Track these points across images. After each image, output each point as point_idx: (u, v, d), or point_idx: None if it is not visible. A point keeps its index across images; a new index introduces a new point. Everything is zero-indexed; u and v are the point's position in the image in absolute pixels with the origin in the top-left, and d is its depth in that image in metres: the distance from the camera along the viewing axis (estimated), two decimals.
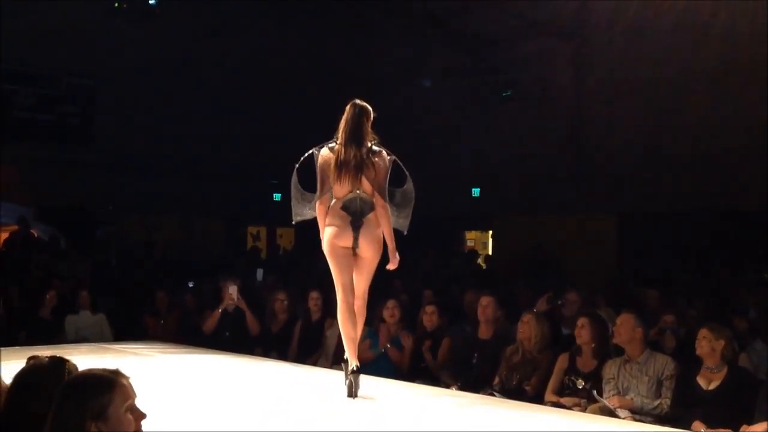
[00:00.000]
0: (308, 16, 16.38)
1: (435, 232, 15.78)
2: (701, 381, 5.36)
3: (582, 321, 6.11)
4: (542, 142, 14.67)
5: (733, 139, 12.46)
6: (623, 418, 5.31)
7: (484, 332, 6.96)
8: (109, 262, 12.39)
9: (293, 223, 5.37)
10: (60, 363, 3.01)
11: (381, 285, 10.21)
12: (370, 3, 15.66)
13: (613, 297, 8.92)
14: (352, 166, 4.98)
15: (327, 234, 5.07)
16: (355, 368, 5.05)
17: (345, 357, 5.21)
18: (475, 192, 15.82)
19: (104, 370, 2.73)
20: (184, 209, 15.99)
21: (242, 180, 16.06)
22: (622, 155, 13.74)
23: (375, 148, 5.07)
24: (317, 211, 5.12)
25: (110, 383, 2.66)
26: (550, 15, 14.38)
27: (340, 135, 5.05)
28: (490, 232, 16.99)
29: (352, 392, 5.02)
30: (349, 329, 5.10)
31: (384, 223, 5.06)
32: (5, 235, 13.16)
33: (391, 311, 7.51)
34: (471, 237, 17.25)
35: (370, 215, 5.03)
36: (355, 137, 5.00)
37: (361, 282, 5.16)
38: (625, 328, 5.75)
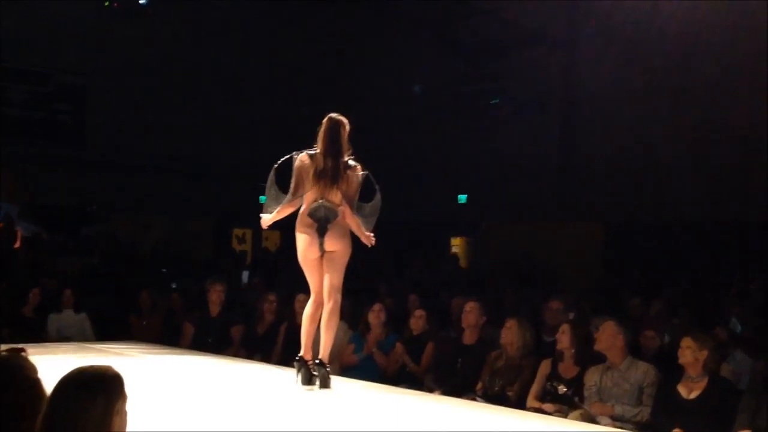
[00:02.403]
0: (302, 17, 16.40)
1: (421, 238, 15.83)
2: (682, 390, 5.38)
3: (563, 327, 6.15)
4: (531, 149, 14.72)
5: (721, 149, 12.53)
6: (604, 425, 5.33)
7: (469, 338, 6.98)
8: (95, 261, 12.33)
9: (261, 217, 5.47)
10: (17, 357, 3.00)
11: (366, 289, 10.31)
12: (365, 8, 15.71)
13: (599, 305, 8.94)
14: (329, 176, 5.23)
15: (299, 243, 5.37)
16: (306, 360, 5.39)
17: (304, 358, 5.41)
18: (462, 198, 15.85)
19: (107, 366, 2.74)
20: (173, 209, 15.95)
21: (230, 181, 16.04)
22: (611, 164, 13.79)
23: (351, 162, 5.31)
24: (282, 209, 5.33)
25: (122, 380, 2.70)
26: (542, 24, 14.46)
27: (319, 145, 5.28)
28: (462, 239, 17.05)
29: (314, 381, 5.31)
30: (311, 330, 5.42)
31: (353, 225, 5.34)
32: None
33: (376, 314, 7.52)
34: (456, 243, 17.27)
35: (336, 221, 5.27)
36: (333, 148, 5.25)
37: (333, 275, 5.34)
38: (606, 335, 5.78)
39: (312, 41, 16.52)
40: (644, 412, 5.49)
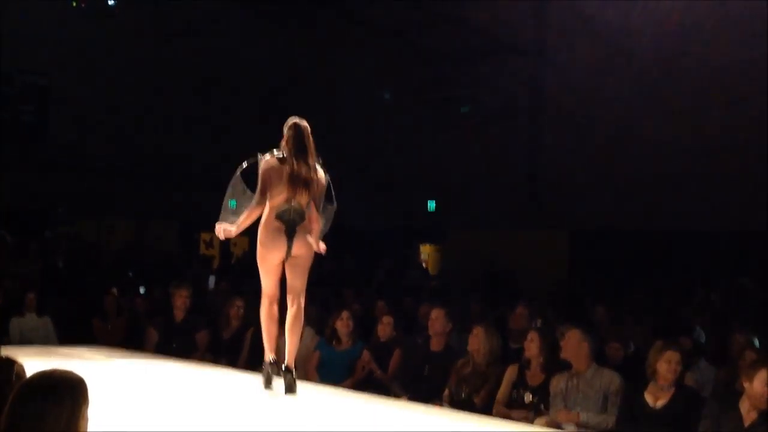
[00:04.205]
0: (270, 23, 16.36)
1: (390, 244, 15.85)
2: (648, 398, 5.42)
3: (531, 335, 6.18)
4: (499, 158, 14.80)
5: (685, 160, 12.70)
6: None
7: (436, 344, 6.99)
8: (58, 264, 12.15)
9: (221, 228, 5.40)
10: (9, 364, 2.98)
11: (334, 295, 10.29)
12: (335, 15, 15.72)
13: (564, 312, 9.01)
14: (303, 179, 5.18)
15: (264, 244, 5.28)
16: (274, 361, 5.40)
17: (269, 359, 5.40)
18: (431, 205, 15.89)
19: (70, 371, 2.73)
20: (138, 212, 15.80)
21: (198, 184, 15.91)
22: (577, 174, 13.91)
23: (317, 166, 5.31)
24: (250, 213, 5.26)
25: (86, 384, 2.69)
26: (510, 33, 14.56)
27: (289, 149, 5.23)
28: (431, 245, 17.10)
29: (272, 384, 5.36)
30: (272, 329, 5.43)
31: (316, 229, 5.31)
32: None
33: (345, 322, 7.51)
34: (425, 250, 17.32)
35: (303, 225, 5.24)
36: (303, 152, 5.22)
37: (299, 279, 5.35)
38: (571, 343, 5.83)
39: (282, 46, 16.47)
40: (609, 419, 5.53)
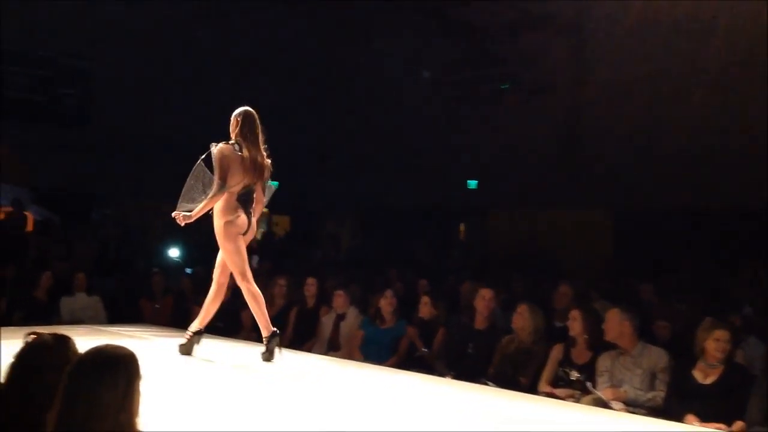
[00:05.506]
0: (306, 2, 16.31)
1: (431, 223, 15.81)
2: (697, 375, 5.35)
3: (574, 313, 6.13)
4: (541, 135, 14.64)
5: (731, 137, 12.46)
6: (617, 410, 5.33)
7: (480, 323, 6.98)
8: (107, 245, 12.34)
9: (180, 215, 5.78)
10: (64, 341, 3.04)
11: (377, 274, 10.32)
12: None
13: (608, 291, 8.93)
14: (258, 165, 5.61)
15: (232, 224, 5.63)
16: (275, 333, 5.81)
17: (274, 332, 5.82)
18: (472, 184, 15.81)
19: (122, 346, 2.79)
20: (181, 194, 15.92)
21: None
22: (620, 151, 13.70)
23: (263, 151, 5.71)
24: (211, 200, 5.55)
25: (137, 359, 2.77)
26: (550, 9, 14.35)
27: (242, 137, 5.63)
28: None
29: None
30: (263, 305, 5.91)
31: (258, 210, 5.84)
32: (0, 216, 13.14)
33: (389, 300, 7.55)
34: (465, 229, 17.26)
35: (253, 205, 5.72)
36: (257, 139, 5.66)
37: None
38: (612, 323, 5.76)
39: (317, 26, 16.42)
40: (658, 397, 5.47)
